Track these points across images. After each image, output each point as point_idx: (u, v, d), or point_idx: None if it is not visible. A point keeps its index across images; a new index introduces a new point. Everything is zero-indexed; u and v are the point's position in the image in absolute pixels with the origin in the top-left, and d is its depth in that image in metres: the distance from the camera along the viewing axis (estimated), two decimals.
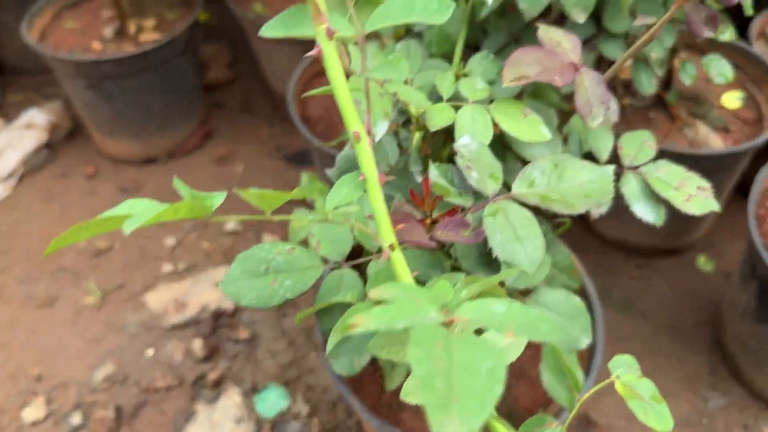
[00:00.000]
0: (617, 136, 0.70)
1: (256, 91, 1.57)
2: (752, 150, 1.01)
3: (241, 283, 0.52)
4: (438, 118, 0.55)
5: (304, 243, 0.65)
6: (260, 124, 1.49)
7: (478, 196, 0.53)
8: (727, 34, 0.98)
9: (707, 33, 0.58)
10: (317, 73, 1.17)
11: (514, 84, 0.56)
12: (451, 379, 0.22)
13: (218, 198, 0.45)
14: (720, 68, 1.02)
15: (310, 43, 0.75)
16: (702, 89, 1.11)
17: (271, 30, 0.43)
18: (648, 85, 0.91)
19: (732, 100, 1.09)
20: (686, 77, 1.00)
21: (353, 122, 0.39)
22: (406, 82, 0.61)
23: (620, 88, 1.06)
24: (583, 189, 0.53)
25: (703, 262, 1.18)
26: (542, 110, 0.61)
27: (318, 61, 1.17)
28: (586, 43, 0.92)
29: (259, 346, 1.10)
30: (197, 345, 1.10)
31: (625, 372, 0.46)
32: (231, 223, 1.29)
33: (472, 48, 0.99)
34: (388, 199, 0.63)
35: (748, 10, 0.94)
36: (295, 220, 0.76)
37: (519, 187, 0.53)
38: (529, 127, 0.56)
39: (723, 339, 1.04)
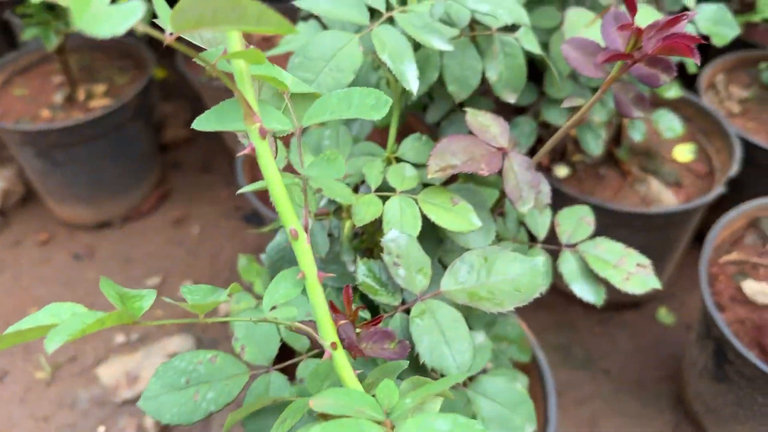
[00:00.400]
0: (566, 202, 0.70)
1: (215, 150, 1.55)
2: (706, 204, 1.01)
3: (162, 399, 0.49)
4: (365, 212, 0.54)
5: None
6: (219, 184, 1.47)
7: (408, 294, 0.52)
8: (673, 91, 0.98)
9: (636, 113, 0.57)
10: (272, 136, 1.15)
11: (439, 175, 0.54)
12: None
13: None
14: (669, 123, 1.02)
15: None
16: (653, 143, 1.11)
17: (204, 124, 0.42)
18: (594, 146, 0.91)
19: (683, 153, 1.10)
20: (636, 133, 1.00)
21: (290, 220, 0.38)
22: None
23: (571, 144, 1.06)
24: (513, 283, 0.51)
25: (664, 315, 1.17)
26: (475, 193, 0.60)
27: None
28: (530, 109, 0.92)
29: (213, 421, 1.07)
30: (149, 422, 1.06)
31: None
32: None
33: (422, 109, 0.98)
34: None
35: (692, 68, 0.95)
36: (235, 304, 0.74)
37: (447, 283, 0.51)
38: (458, 216, 0.54)
39: (685, 396, 1.03)
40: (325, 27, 0.69)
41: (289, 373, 0.52)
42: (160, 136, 1.54)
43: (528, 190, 0.56)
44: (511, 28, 0.65)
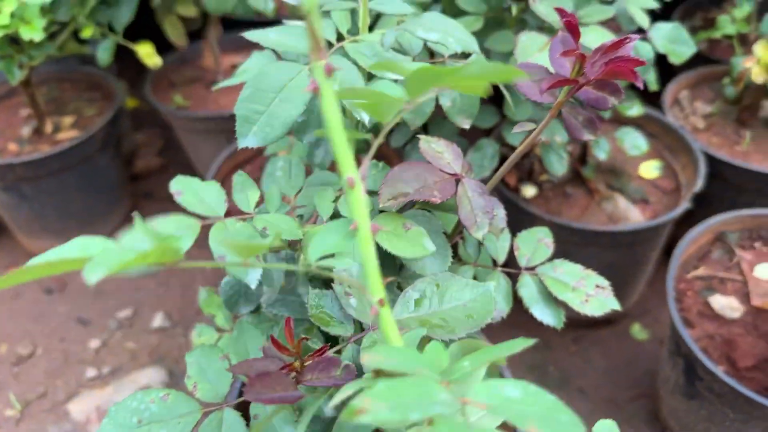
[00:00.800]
0: (533, 222, 0.69)
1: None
2: (672, 220, 1.01)
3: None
4: (315, 244, 0.53)
5: None
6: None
7: (359, 326, 0.51)
8: (635, 109, 0.99)
9: (586, 136, 0.58)
10: (237, 164, 1.15)
11: (391, 204, 0.54)
12: None
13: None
14: (634, 140, 1.03)
15: (233, 132, 0.74)
16: (619, 161, 1.12)
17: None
18: (558, 166, 0.92)
19: (649, 169, 1.11)
20: (600, 152, 1.01)
21: (347, 167, 0.35)
22: (288, 202, 0.60)
23: (537, 164, 1.06)
24: (465, 309, 0.51)
25: (638, 331, 1.17)
26: (430, 219, 0.60)
27: (239, 151, 1.16)
28: (493, 131, 0.93)
29: None
30: None
31: None
32: (158, 320, 1.25)
33: (389, 133, 0.98)
34: (278, 318, 0.61)
35: (653, 86, 0.96)
36: (197, 336, 0.73)
37: (400, 312, 0.51)
38: (411, 243, 0.54)
39: (660, 413, 1.02)
40: (280, 57, 0.69)
41: (244, 409, 0.51)
42: (132, 165, 1.53)
43: (482, 216, 0.56)
44: (466, 55, 0.66)
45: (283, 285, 0.60)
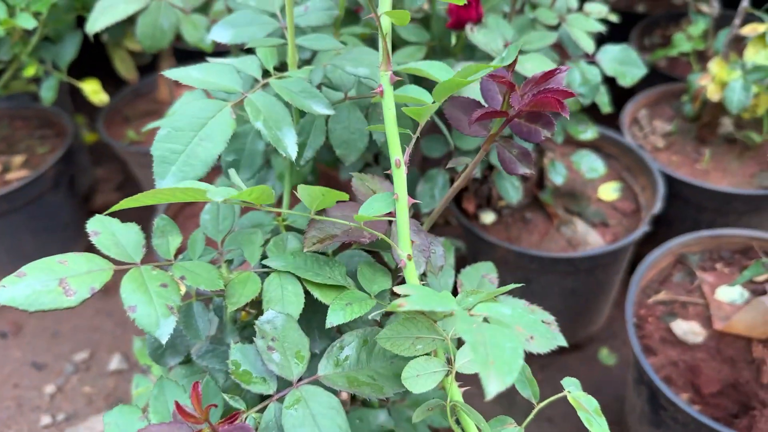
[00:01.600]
0: (491, 251, 0.67)
1: (147, 216, 1.51)
2: (632, 243, 1.00)
3: None
4: (240, 293, 0.51)
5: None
6: (150, 250, 1.43)
7: (284, 382, 0.49)
8: (589, 133, 0.98)
9: (521, 170, 0.56)
10: (189, 203, 1.12)
11: (317, 247, 0.52)
12: (487, 350, 0.33)
13: (95, 284, 0.46)
14: (590, 163, 1.02)
15: None
16: (578, 183, 1.11)
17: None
18: (513, 193, 0.90)
19: (608, 192, 1.09)
20: (556, 176, 0.99)
21: (396, 151, 0.49)
22: (215, 247, 0.57)
23: (496, 190, 1.04)
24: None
25: (606, 356, 1.15)
26: (367, 261, 0.57)
27: None
28: (443, 160, 0.91)
29: None
30: None
31: (575, 389, 0.57)
32: (114, 362, 1.20)
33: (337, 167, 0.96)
34: (198, 373, 0.58)
35: (605, 108, 0.95)
36: (135, 387, 0.70)
37: (325, 367, 0.48)
38: (337, 291, 0.52)
39: None
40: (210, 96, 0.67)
41: None
42: (91, 201, 1.50)
43: (418, 254, 0.54)
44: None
45: (213, 335, 0.57)
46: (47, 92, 1.06)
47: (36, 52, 1.06)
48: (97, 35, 1.18)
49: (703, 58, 1.28)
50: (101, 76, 1.22)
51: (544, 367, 1.15)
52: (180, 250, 0.56)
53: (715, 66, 1.09)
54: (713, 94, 1.09)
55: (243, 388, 0.48)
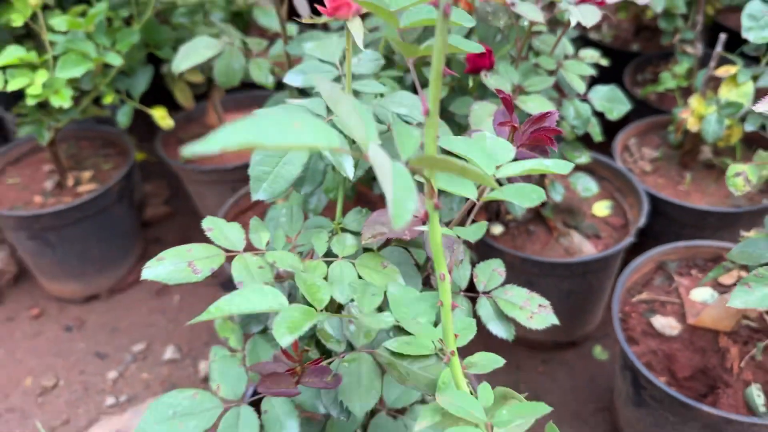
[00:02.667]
0: (500, 257, 0.84)
1: (192, 225, 1.69)
2: (620, 252, 1.17)
3: (154, 428, 0.62)
4: (311, 275, 0.68)
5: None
6: None
7: (351, 347, 0.66)
8: (583, 158, 1.15)
9: None
10: (241, 210, 1.30)
11: (371, 241, 0.69)
12: None
13: (215, 263, 0.57)
14: (585, 184, 1.19)
15: (238, 182, 0.87)
16: (575, 201, 1.28)
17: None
18: (518, 208, 1.07)
19: (601, 208, 1.26)
20: (555, 194, 1.17)
21: (441, 266, 0.50)
22: (290, 242, 0.74)
23: (503, 206, 1.22)
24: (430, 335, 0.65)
25: (599, 352, 1.31)
26: (403, 253, 0.75)
27: (242, 199, 1.31)
28: None
29: None
30: None
31: None
32: (168, 352, 1.38)
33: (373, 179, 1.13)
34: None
35: (597, 137, 1.13)
36: (212, 357, 0.87)
37: (381, 346, 0.65)
38: (386, 277, 0.69)
39: (617, 423, 1.16)
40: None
41: (256, 406, 0.65)
42: (142, 213, 1.68)
43: (445, 250, 0.71)
44: None
45: None
46: (123, 117, 1.24)
47: (113, 83, 1.25)
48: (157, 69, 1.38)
49: (687, 93, 1.46)
50: (158, 102, 1.40)
51: (545, 361, 1.31)
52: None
53: (694, 101, 1.27)
54: (693, 125, 1.26)
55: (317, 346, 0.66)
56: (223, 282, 1.52)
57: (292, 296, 0.75)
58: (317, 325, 0.66)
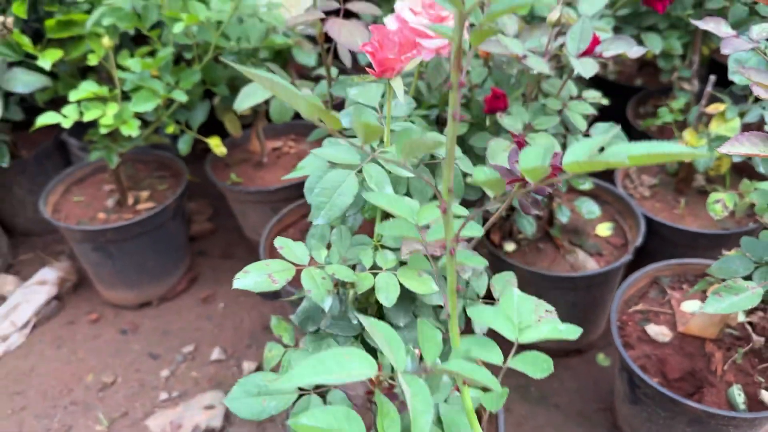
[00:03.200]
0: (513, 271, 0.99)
1: (234, 240, 1.87)
2: (619, 267, 1.32)
3: (241, 401, 0.77)
4: (363, 284, 0.84)
5: (275, 370, 0.92)
6: (238, 267, 1.75)
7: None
8: (587, 184, 1.31)
9: (534, 211, 0.89)
10: (283, 227, 1.47)
11: (407, 255, 0.85)
12: None
13: (288, 275, 0.72)
14: (588, 207, 1.34)
15: (279, 202, 1.04)
16: (580, 222, 1.44)
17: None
18: (529, 228, 1.23)
19: (604, 229, 1.42)
20: (562, 216, 1.32)
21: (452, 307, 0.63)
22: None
23: (515, 226, 1.37)
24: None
25: (602, 359, 1.46)
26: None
27: (284, 217, 1.47)
28: (477, 202, 1.25)
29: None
30: None
31: None
32: (215, 354, 1.54)
33: None
34: (328, 337, 0.91)
35: None
36: (268, 351, 1.03)
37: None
38: (422, 284, 0.84)
39: (617, 421, 1.30)
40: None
41: (323, 395, 0.81)
42: (188, 229, 1.86)
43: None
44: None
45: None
46: (183, 145, 1.42)
47: (174, 115, 1.42)
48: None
49: (683, 126, 1.61)
50: (209, 130, 1.58)
51: (553, 366, 1.45)
52: None
53: (687, 134, 1.42)
54: None
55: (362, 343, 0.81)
56: (263, 292, 1.69)
57: (342, 301, 0.91)
58: (346, 332, 0.82)
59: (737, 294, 0.89)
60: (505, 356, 0.64)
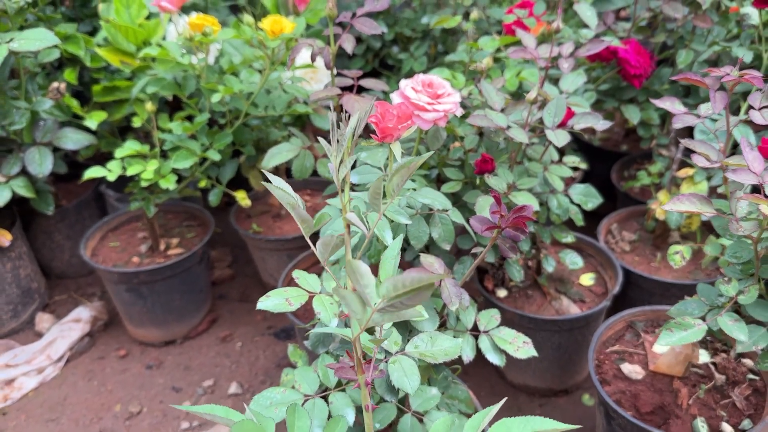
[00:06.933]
0: (504, 314, 1.15)
1: (251, 285, 2.03)
2: (599, 312, 1.47)
3: (258, 410, 0.93)
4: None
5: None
6: (254, 311, 1.94)
7: (388, 353, 0.97)
8: (569, 238, 1.48)
9: (512, 255, 1.06)
10: (311, 265, 1.63)
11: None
12: None
13: (301, 300, 0.87)
14: (572, 259, 1.50)
15: (294, 249, 1.22)
16: (566, 273, 1.59)
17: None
18: (517, 275, 1.39)
19: (586, 279, 1.57)
20: (548, 266, 1.48)
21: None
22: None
23: (506, 274, 1.53)
24: (444, 350, 0.97)
25: (587, 399, 1.59)
26: (428, 300, 1.07)
27: (299, 263, 1.64)
28: (470, 250, 1.41)
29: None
30: None
31: None
32: (233, 388, 1.68)
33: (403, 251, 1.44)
34: (336, 358, 1.07)
35: (579, 222, 1.45)
36: (285, 375, 1.18)
37: (409, 348, 0.97)
38: (416, 311, 1.01)
39: None
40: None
41: (325, 399, 0.96)
42: (210, 274, 2.03)
43: (455, 298, 1.04)
44: (445, 210, 1.15)
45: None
46: (214, 197, 1.61)
47: (206, 171, 1.62)
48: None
49: (660, 188, 1.78)
50: (234, 184, 1.77)
51: (542, 405, 1.59)
52: None
53: (661, 195, 1.59)
54: (660, 214, 1.58)
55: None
56: (276, 332, 1.85)
57: (348, 326, 1.06)
58: (361, 342, 0.97)
59: (686, 329, 1.05)
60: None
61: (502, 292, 1.54)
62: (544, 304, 1.52)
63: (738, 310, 1.10)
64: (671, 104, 1.20)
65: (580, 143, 2.12)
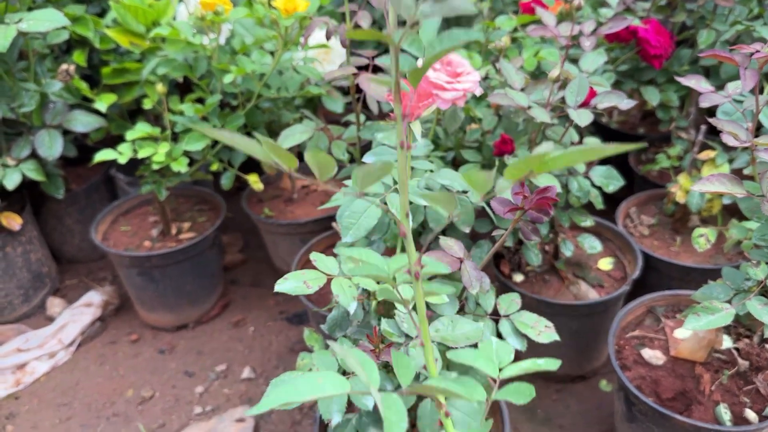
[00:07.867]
0: (502, 293, 1.13)
1: (263, 270, 2.02)
2: (618, 297, 1.44)
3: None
4: (383, 294, 0.98)
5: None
6: (267, 295, 1.92)
7: (408, 337, 0.95)
8: (588, 221, 1.45)
9: (534, 238, 1.03)
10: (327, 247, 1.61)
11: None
12: None
13: (320, 282, 0.85)
14: (590, 243, 1.47)
15: (307, 233, 1.19)
16: (584, 257, 1.57)
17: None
18: (535, 259, 1.36)
19: (605, 264, 1.55)
20: (566, 251, 1.45)
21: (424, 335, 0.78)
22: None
23: (524, 258, 1.51)
24: (465, 334, 0.94)
25: (605, 385, 1.57)
26: (446, 284, 1.04)
27: (312, 246, 1.62)
28: (488, 234, 1.39)
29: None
30: None
31: None
32: (245, 373, 1.67)
33: (419, 235, 1.42)
34: (354, 342, 1.05)
35: (598, 205, 1.42)
36: (300, 360, 1.16)
37: (431, 332, 0.94)
38: (436, 296, 0.98)
39: None
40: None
41: None
42: (223, 259, 2.01)
43: (475, 281, 1.01)
44: (464, 191, 1.12)
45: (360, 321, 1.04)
46: (226, 181, 1.59)
47: (218, 154, 1.59)
48: None
49: (680, 171, 1.75)
50: (247, 168, 1.75)
51: (559, 390, 1.57)
52: None
53: (681, 178, 1.56)
54: (680, 198, 1.55)
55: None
56: (289, 317, 1.83)
57: (366, 311, 1.04)
58: (382, 326, 0.95)
59: (713, 314, 1.02)
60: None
61: (518, 277, 1.51)
62: (561, 289, 1.49)
63: (766, 293, 1.07)
64: (697, 82, 1.16)
65: (597, 126, 2.08)
